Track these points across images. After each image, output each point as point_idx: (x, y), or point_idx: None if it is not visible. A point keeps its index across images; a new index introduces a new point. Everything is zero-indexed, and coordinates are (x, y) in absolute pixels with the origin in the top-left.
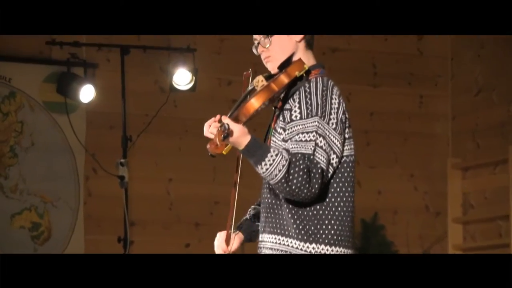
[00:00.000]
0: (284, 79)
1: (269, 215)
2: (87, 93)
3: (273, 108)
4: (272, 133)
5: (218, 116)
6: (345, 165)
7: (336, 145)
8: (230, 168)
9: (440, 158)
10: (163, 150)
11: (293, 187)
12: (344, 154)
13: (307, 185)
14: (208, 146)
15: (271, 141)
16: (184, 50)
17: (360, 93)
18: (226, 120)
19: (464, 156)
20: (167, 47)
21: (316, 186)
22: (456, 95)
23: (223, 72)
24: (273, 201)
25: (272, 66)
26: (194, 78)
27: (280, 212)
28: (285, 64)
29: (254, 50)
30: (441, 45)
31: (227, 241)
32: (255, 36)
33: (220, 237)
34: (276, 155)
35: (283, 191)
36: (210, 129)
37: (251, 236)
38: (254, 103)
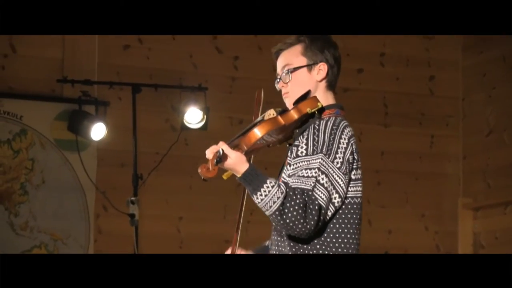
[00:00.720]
0: (294, 114)
1: (274, 253)
2: (98, 131)
3: (287, 146)
4: (284, 170)
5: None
6: (349, 206)
7: (339, 185)
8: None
9: (451, 198)
10: (173, 188)
11: (287, 220)
12: (349, 195)
13: (301, 220)
14: (199, 170)
15: (281, 178)
16: (195, 89)
17: (371, 133)
18: (223, 146)
19: (475, 196)
20: (179, 86)
21: (312, 222)
22: (467, 135)
23: (235, 111)
24: (277, 238)
25: (289, 102)
26: (205, 116)
27: (283, 250)
28: (301, 101)
29: (276, 86)
30: (452, 85)
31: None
32: (277, 71)
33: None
34: (273, 186)
35: (278, 224)
36: (207, 153)
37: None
38: (257, 132)
